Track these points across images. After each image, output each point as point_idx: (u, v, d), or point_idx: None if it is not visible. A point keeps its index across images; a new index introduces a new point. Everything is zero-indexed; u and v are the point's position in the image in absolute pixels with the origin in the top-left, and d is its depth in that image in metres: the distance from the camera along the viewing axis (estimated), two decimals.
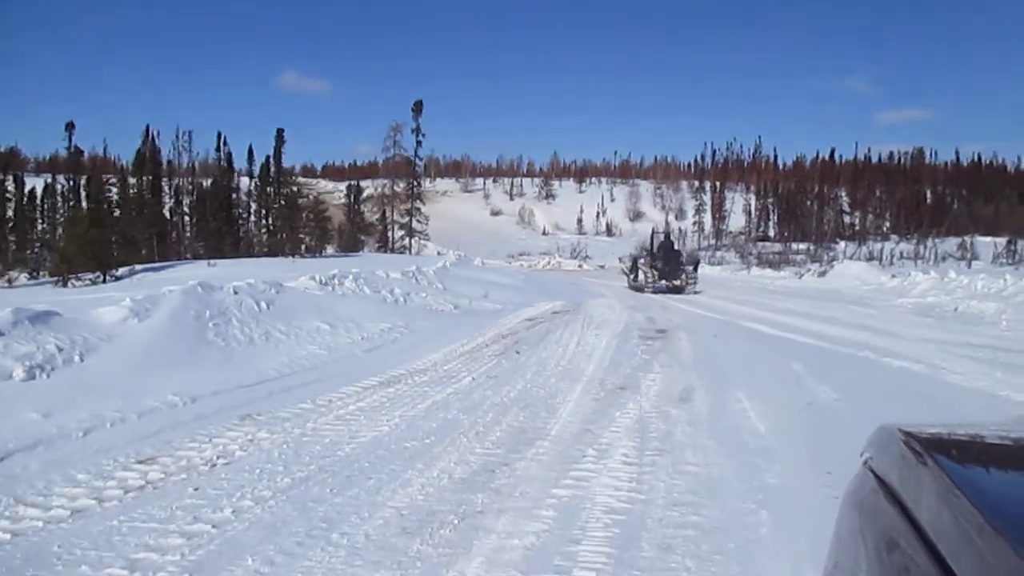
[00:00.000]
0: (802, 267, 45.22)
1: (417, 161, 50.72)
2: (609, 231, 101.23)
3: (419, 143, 50.30)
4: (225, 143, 43.86)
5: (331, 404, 6.58)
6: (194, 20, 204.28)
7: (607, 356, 9.47)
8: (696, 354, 9.76)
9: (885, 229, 79.97)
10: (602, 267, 47.72)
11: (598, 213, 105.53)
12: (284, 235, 33.87)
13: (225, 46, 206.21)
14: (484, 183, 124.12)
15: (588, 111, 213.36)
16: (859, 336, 11.87)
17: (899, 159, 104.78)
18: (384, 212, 51.29)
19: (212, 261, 25.29)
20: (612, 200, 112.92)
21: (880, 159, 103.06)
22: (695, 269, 26.34)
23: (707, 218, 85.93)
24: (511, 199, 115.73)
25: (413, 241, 50.37)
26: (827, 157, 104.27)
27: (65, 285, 20.54)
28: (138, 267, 23.68)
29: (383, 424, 5.83)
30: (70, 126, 53.39)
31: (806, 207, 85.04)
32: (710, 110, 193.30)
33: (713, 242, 75.74)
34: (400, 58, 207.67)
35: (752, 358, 9.44)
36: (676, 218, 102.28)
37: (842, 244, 61.03)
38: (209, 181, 45.80)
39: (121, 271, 22.51)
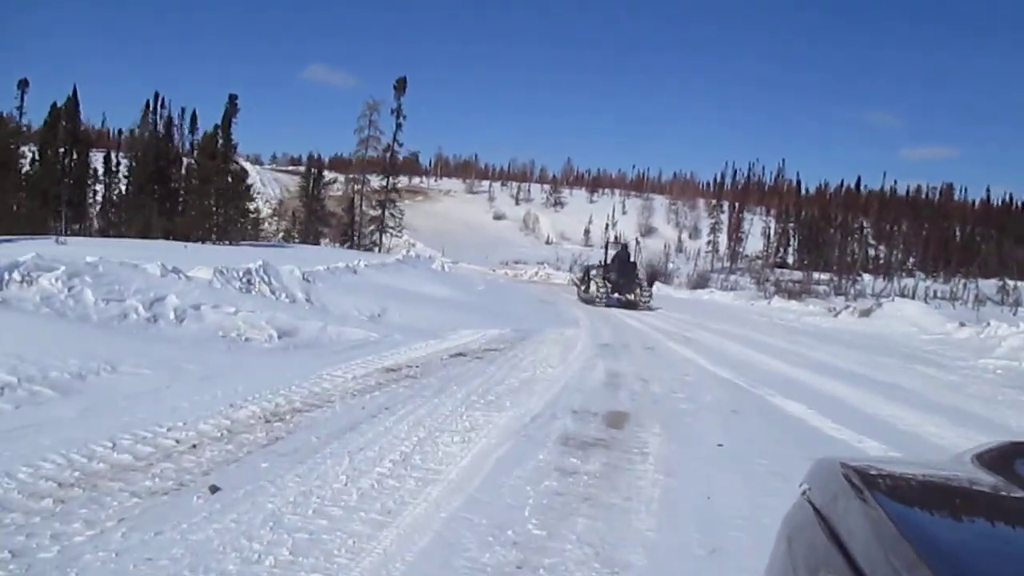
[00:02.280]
0: (826, 299, 39.39)
1: (396, 147, 44.34)
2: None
3: (399, 126, 43.96)
4: (163, 104, 37.54)
5: None
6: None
7: (406, 549, 3.57)
8: (665, 524, 3.85)
9: (910, 265, 74.63)
10: None
11: (607, 225, 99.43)
12: (197, 215, 28.07)
13: (251, 41, 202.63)
14: (490, 186, 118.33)
15: (606, 121, 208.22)
16: (971, 439, 5.95)
17: (927, 194, 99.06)
18: (352, 203, 44.82)
19: (62, 238, 19.61)
20: (624, 213, 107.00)
21: (908, 192, 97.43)
22: (651, 284, 25.35)
23: (723, 239, 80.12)
24: (517, 204, 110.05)
25: (386, 237, 44.20)
26: (852, 186, 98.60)
27: None
28: None
29: None
30: (23, 84, 47.91)
31: (829, 235, 79.13)
32: (732, 129, 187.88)
33: (727, 265, 69.88)
34: (419, 55, 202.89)
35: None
36: (690, 236, 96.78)
37: (867, 277, 55.49)
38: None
39: None
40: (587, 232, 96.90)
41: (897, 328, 19.73)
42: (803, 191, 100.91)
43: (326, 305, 10.86)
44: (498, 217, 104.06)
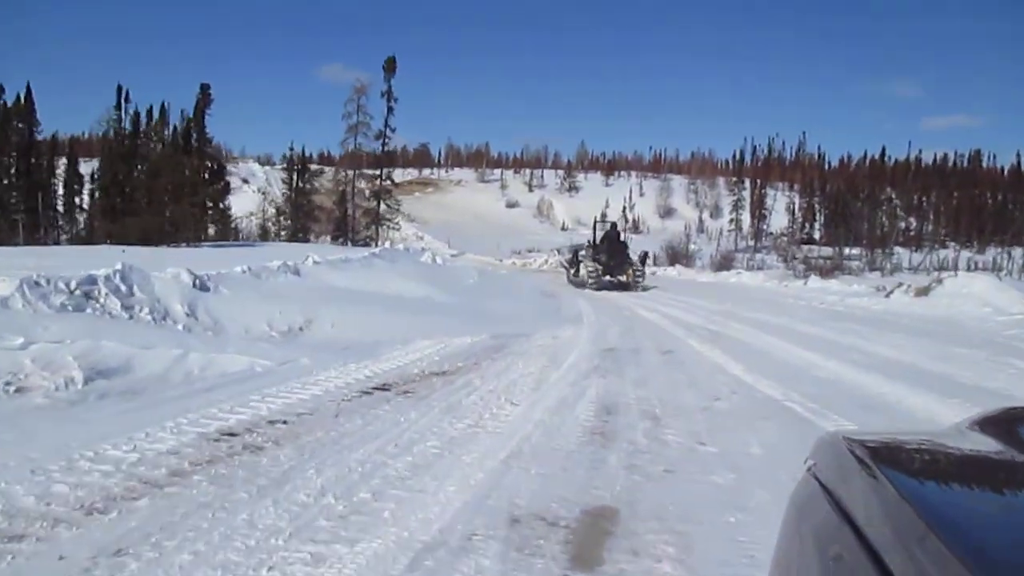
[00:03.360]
0: (860, 275, 35.96)
1: (389, 133, 41.09)
2: (636, 228, 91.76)
3: (390, 110, 40.70)
4: (128, 98, 34.25)
5: None
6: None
7: None
8: None
9: (942, 235, 70.99)
10: None
11: (625, 208, 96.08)
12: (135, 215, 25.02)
13: (266, 40, 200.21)
14: (502, 174, 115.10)
15: (620, 102, 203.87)
16: None
17: (955, 162, 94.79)
18: (343, 195, 41.49)
19: None
20: (641, 195, 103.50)
21: (935, 161, 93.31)
22: (643, 263, 24.52)
23: (745, 217, 76.44)
24: (530, 191, 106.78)
25: (383, 230, 41.02)
26: (877, 157, 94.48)
27: None
28: None
29: None
30: None
31: (856, 209, 75.33)
32: (749, 104, 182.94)
33: (751, 243, 66.40)
34: (428, 46, 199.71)
35: None
36: (711, 216, 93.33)
37: (899, 250, 51.97)
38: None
39: None
40: (604, 216, 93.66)
41: (965, 308, 16.52)
42: (826, 164, 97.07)
43: (220, 320, 7.98)
44: (511, 205, 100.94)
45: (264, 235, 36.93)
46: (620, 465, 4.37)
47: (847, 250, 53.01)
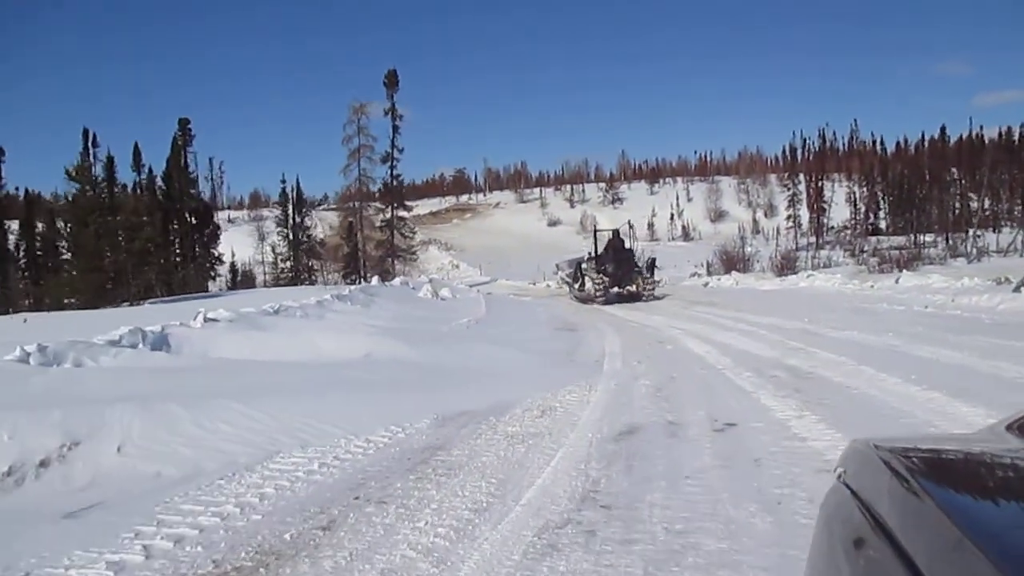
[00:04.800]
0: (944, 264, 31.09)
1: (396, 154, 37.00)
2: (686, 235, 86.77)
3: (395, 128, 36.78)
4: (95, 143, 30.39)
5: None
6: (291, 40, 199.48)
7: None
8: None
9: (1017, 212, 64.94)
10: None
11: (672, 215, 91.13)
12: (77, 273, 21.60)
13: (297, 83, 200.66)
14: (541, 192, 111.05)
15: (659, 107, 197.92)
16: None
17: (1020, 135, 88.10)
18: (351, 228, 37.29)
19: None
20: (689, 200, 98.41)
21: (1000, 136, 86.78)
22: (651, 271, 22.77)
23: (803, 212, 71.02)
24: (572, 207, 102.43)
25: (402, 263, 36.94)
26: (935, 137, 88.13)
27: None
28: None
29: None
30: None
31: (924, 193, 69.49)
32: (794, 97, 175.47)
33: (813, 240, 61.09)
34: (456, 68, 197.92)
35: None
36: (766, 215, 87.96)
37: (980, 232, 46.46)
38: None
39: None
40: (651, 225, 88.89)
41: None
42: (884, 150, 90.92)
43: None
44: (552, 223, 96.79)
45: (247, 280, 33.25)
46: None
47: (919, 237, 47.96)
